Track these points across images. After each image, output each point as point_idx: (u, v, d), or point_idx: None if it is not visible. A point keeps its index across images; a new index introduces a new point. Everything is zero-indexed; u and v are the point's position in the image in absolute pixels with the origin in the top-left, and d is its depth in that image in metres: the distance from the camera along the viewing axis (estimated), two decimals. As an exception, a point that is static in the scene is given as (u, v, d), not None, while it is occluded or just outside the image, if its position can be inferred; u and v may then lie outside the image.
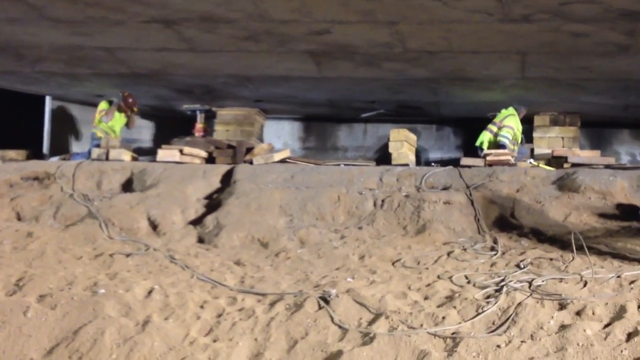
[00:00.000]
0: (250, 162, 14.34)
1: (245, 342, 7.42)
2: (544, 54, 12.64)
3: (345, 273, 9.50)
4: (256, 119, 17.32)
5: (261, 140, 17.41)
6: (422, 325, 7.95)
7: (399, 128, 15.14)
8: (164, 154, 14.62)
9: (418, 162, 15.32)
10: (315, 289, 8.73)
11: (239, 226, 11.31)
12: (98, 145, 15.48)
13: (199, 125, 17.42)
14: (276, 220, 11.57)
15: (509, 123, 13.82)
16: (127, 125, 17.10)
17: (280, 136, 18.23)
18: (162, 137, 17.51)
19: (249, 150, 15.11)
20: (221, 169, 13.72)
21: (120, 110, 16.76)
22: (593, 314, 8.20)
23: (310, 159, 15.58)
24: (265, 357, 7.20)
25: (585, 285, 9.03)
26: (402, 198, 11.97)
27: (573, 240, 10.37)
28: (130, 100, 16.61)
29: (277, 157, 14.64)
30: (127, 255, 9.99)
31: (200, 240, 11.24)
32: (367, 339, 7.61)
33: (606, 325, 7.97)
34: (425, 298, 8.73)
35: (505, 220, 11.58)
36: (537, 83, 13.75)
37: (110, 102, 16.83)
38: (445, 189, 12.39)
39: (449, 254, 10.32)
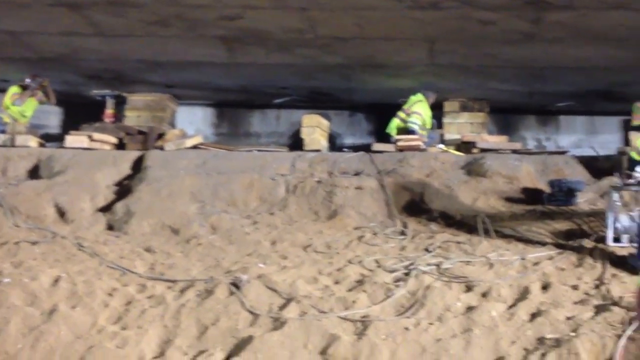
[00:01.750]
0: (162, 149, 14.20)
1: (154, 329, 7.36)
2: (452, 41, 12.82)
3: (257, 259, 9.50)
4: (168, 105, 17.14)
5: (173, 126, 17.23)
6: (332, 309, 8.01)
7: (312, 114, 15.20)
8: (72, 140, 14.36)
9: (331, 148, 15.40)
10: (226, 275, 8.71)
11: (150, 213, 11.20)
12: (4, 132, 15.10)
13: (109, 111, 17.13)
14: (187, 207, 11.49)
15: (418, 109, 14.01)
16: (48, 98, 16.51)
17: (193, 122, 18.08)
18: (71, 123, 17.18)
19: (160, 136, 14.97)
20: (132, 155, 13.55)
21: (33, 94, 16.33)
22: (498, 295, 8.41)
23: (223, 145, 15.51)
24: (175, 344, 7.16)
25: (491, 267, 9.25)
26: (314, 183, 12.03)
27: (480, 224, 10.60)
28: (38, 78, 16.15)
29: (189, 143, 14.54)
30: (33, 243, 9.80)
31: (110, 227, 11.09)
32: (278, 323, 7.64)
33: (511, 306, 8.18)
34: (336, 282, 8.80)
35: (416, 205, 11.75)
36: (446, 70, 13.96)
37: (23, 87, 16.37)
38: (357, 174, 12.49)
39: (359, 238, 10.43)
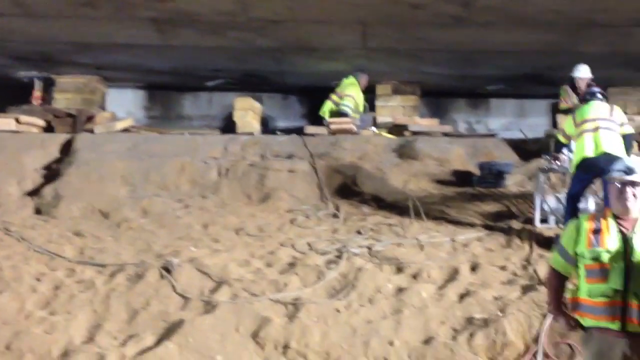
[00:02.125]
0: (92, 132, 13.96)
1: (84, 314, 7.29)
2: (384, 25, 12.85)
3: (189, 242, 9.45)
4: (98, 87, 16.84)
5: (103, 109, 16.93)
6: (264, 292, 8.04)
7: (244, 97, 15.12)
8: (-1, 122, 14.03)
9: (264, 131, 15.32)
10: (157, 259, 8.66)
11: (79, 196, 11.04)
12: None
13: (37, 93, 16.75)
14: (118, 190, 11.35)
15: (350, 92, 14.04)
16: None
17: (124, 105, 17.78)
18: (-2, 106, 16.80)
19: (90, 119, 14.70)
20: (60, 138, 13.31)
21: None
22: (428, 276, 8.53)
23: (155, 128, 15.34)
24: (104, 328, 7.11)
25: (422, 249, 9.36)
26: (246, 167, 11.98)
27: (411, 206, 10.70)
28: None
29: (120, 126, 14.33)
30: (-42, 229, 9.60)
31: (38, 211, 10.90)
32: (210, 307, 7.64)
33: (440, 287, 8.31)
34: (268, 265, 8.82)
35: (348, 188, 11.80)
36: (378, 53, 14.00)
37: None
38: (289, 157, 12.48)
39: (292, 221, 10.45)
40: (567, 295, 4.89)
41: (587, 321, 4.65)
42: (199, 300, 7.73)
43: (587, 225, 4.74)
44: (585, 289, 4.65)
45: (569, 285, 4.96)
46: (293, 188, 11.53)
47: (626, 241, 4.61)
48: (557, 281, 4.93)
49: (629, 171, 4.69)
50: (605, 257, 4.58)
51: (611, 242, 4.62)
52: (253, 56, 14.38)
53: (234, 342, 7.19)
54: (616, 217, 4.73)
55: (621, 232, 4.66)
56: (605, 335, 4.56)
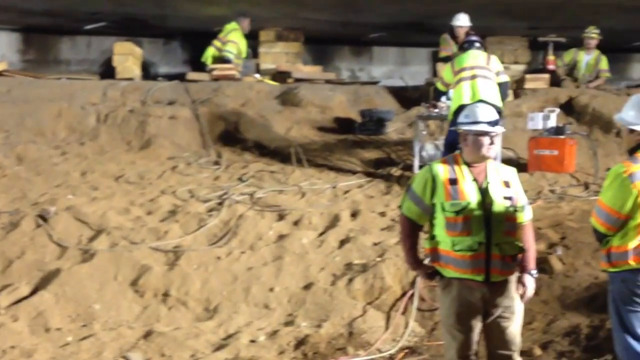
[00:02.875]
0: (-38, 75, 13.40)
1: (-46, 264, 7.09)
2: (267, -31, 12.71)
3: (66, 190, 9.23)
4: (-31, 29, 16.16)
5: (-25, 52, 16.29)
6: (144, 240, 7.97)
7: (125, 41, 14.75)
8: None
9: (145, 77, 15.01)
10: (33, 207, 8.43)
11: (-51, 143, 10.60)
12: None
13: None
14: (-9, 137, 10.95)
15: (233, 38, 13.86)
16: None
17: (-3, 48, 17.15)
18: None
19: (-39, 62, 14.10)
20: None
21: None
22: (309, 223, 8.61)
23: (30, 73, 14.81)
24: (-24, 279, 6.93)
25: (303, 196, 9.43)
26: (126, 113, 11.73)
27: (293, 154, 10.74)
28: None
29: (-7, 70, 13.80)
30: None
31: None
32: (88, 256, 7.52)
33: (321, 234, 8.41)
34: (149, 213, 8.73)
35: (231, 135, 11.72)
36: (261, -2, 13.87)
37: None
38: (171, 103, 12.28)
39: (173, 168, 10.33)
40: (425, 246, 4.86)
41: (449, 272, 4.66)
42: (76, 249, 7.61)
43: (443, 175, 4.70)
44: (448, 242, 4.63)
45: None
46: (174, 135, 11.37)
47: (483, 191, 4.66)
48: (412, 231, 4.85)
49: (494, 122, 4.72)
50: (467, 210, 4.59)
51: (470, 193, 4.64)
52: (134, -1, 13.99)
53: (112, 290, 7.13)
54: (468, 164, 4.74)
55: (475, 180, 4.68)
56: (467, 284, 4.63)
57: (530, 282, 4.79)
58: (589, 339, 6.36)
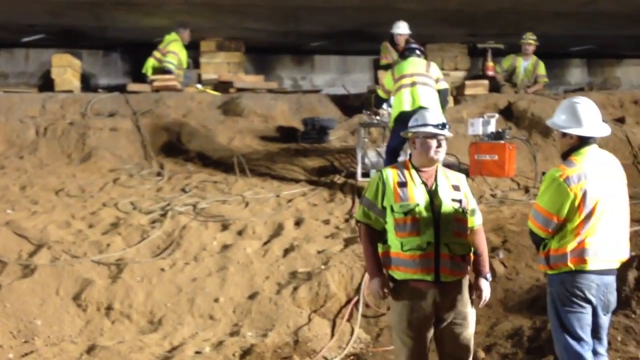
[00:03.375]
0: None
1: None
2: (205, -21, 12.65)
3: (5, 205, 9.07)
4: None
5: None
6: (86, 253, 7.88)
7: (63, 53, 14.58)
8: None
9: (84, 89, 14.85)
10: (-30, 223, 8.29)
11: None
12: None
13: None
14: None
15: (173, 49, 13.78)
16: None
17: None
18: None
19: None
20: None
21: None
22: (253, 232, 8.60)
23: (-34, 87, 14.56)
24: None
25: (247, 205, 9.40)
26: (66, 125, 11.59)
27: (236, 163, 10.71)
28: None
29: None
30: None
31: None
32: (28, 270, 7.40)
33: (265, 243, 8.40)
34: (90, 226, 8.63)
35: (173, 146, 11.65)
36: (200, 8, 13.74)
37: None
38: (111, 115, 12.16)
39: (115, 180, 10.22)
40: (379, 250, 4.87)
41: (399, 274, 4.71)
42: (16, 264, 7.49)
43: (392, 179, 4.80)
44: (397, 243, 4.69)
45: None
46: (115, 147, 11.26)
47: (431, 193, 4.75)
48: (370, 237, 4.87)
49: (441, 125, 4.83)
50: (416, 211, 4.68)
51: (419, 195, 4.73)
52: (70, 10, 13.80)
53: (54, 305, 7.03)
54: (417, 169, 4.84)
55: (424, 183, 4.78)
56: (418, 286, 4.67)
57: (485, 285, 4.88)
58: (531, 340, 6.45)
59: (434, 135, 4.80)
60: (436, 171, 4.86)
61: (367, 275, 7.49)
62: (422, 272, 4.65)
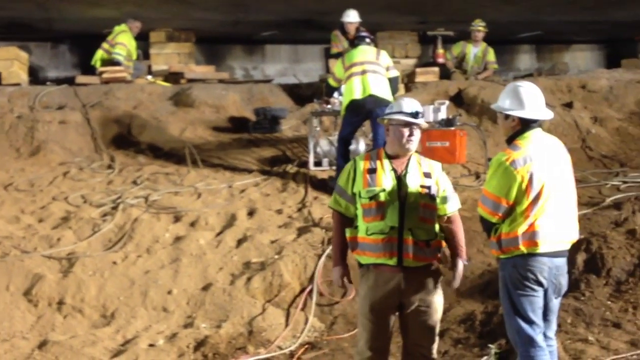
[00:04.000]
0: None
1: None
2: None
3: (-49, 202, 8.95)
4: None
5: None
6: (36, 248, 7.79)
7: (9, 46, 14.36)
8: None
9: (33, 82, 14.64)
10: None
11: None
12: None
13: None
14: None
15: (122, 40, 13.64)
16: None
17: None
18: None
19: None
20: None
21: None
22: (206, 224, 8.57)
23: None
24: None
25: (199, 197, 9.36)
26: (14, 119, 11.41)
27: (188, 155, 10.65)
28: None
29: None
30: None
31: None
32: (-24, 268, 7.32)
33: (218, 234, 8.38)
34: (40, 221, 8.53)
35: (124, 138, 11.55)
36: (149, -1, 13.69)
37: None
38: (60, 108, 12.01)
39: (65, 174, 10.10)
40: (347, 235, 4.88)
41: (365, 259, 4.76)
42: (-37, 262, 7.38)
43: (363, 166, 4.83)
44: (364, 228, 4.74)
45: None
46: (65, 140, 11.13)
47: (400, 180, 4.77)
48: (340, 225, 4.91)
49: (414, 114, 4.83)
50: (382, 196, 4.71)
51: (386, 180, 4.76)
52: (12, 3, 13.57)
53: (4, 301, 6.95)
54: (389, 157, 4.86)
55: (394, 170, 4.80)
56: (382, 271, 4.71)
57: (460, 266, 4.90)
58: (483, 324, 6.53)
59: (407, 124, 4.80)
60: (409, 159, 4.87)
61: (320, 263, 7.58)
62: (384, 256, 4.68)
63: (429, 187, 4.80)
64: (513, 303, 4.78)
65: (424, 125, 4.91)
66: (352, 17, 12.24)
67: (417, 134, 4.85)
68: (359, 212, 4.80)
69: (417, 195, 4.75)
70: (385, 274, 4.70)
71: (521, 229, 4.69)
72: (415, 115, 4.81)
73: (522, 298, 4.75)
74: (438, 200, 4.83)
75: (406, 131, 4.80)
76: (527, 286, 4.74)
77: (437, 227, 4.85)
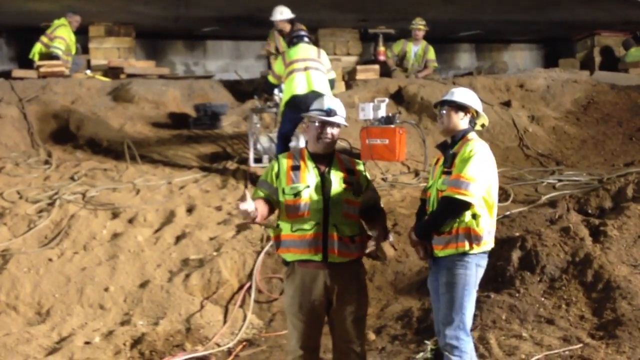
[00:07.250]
0: None
1: None
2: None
3: None
4: None
5: None
6: (-30, 246, 7.67)
7: (-57, 39, 14.11)
8: None
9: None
10: None
11: None
12: None
13: None
14: None
15: (61, 34, 13.45)
16: None
17: None
18: None
19: None
20: None
21: None
22: (144, 220, 8.50)
23: None
24: None
25: (138, 193, 9.28)
26: (-53, 115, 11.20)
27: (127, 151, 10.54)
28: None
29: None
30: None
31: None
32: None
33: (157, 231, 8.32)
34: (-26, 217, 8.40)
35: (61, 133, 11.41)
36: (87, -9, 13.51)
37: None
38: (-4, 102, 11.81)
39: (0, 169, 9.94)
40: (271, 234, 4.93)
41: (290, 256, 4.78)
42: None
43: (286, 163, 4.85)
44: (288, 225, 4.75)
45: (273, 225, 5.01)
46: (1, 135, 10.94)
47: (323, 176, 4.80)
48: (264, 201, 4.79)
49: (329, 111, 4.86)
50: (305, 193, 4.74)
51: (310, 177, 4.78)
52: (-53, -7, 13.29)
53: (-64, 300, 6.83)
54: (312, 155, 4.88)
55: (318, 168, 4.83)
56: (308, 268, 4.73)
57: (378, 237, 4.92)
58: (420, 321, 6.61)
59: (325, 122, 4.84)
60: (331, 156, 4.90)
61: (259, 260, 7.58)
62: (310, 252, 4.71)
63: (351, 184, 4.84)
64: (467, 301, 4.80)
65: (341, 122, 4.91)
66: (285, 14, 11.62)
67: (333, 131, 4.87)
68: (282, 209, 4.80)
69: (340, 191, 4.80)
70: (310, 270, 4.73)
71: (489, 225, 4.84)
72: (329, 112, 4.84)
73: (473, 295, 4.83)
74: (361, 197, 4.88)
75: (325, 129, 4.83)
76: (477, 284, 4.83)
77: (361, 223, 4.90)
